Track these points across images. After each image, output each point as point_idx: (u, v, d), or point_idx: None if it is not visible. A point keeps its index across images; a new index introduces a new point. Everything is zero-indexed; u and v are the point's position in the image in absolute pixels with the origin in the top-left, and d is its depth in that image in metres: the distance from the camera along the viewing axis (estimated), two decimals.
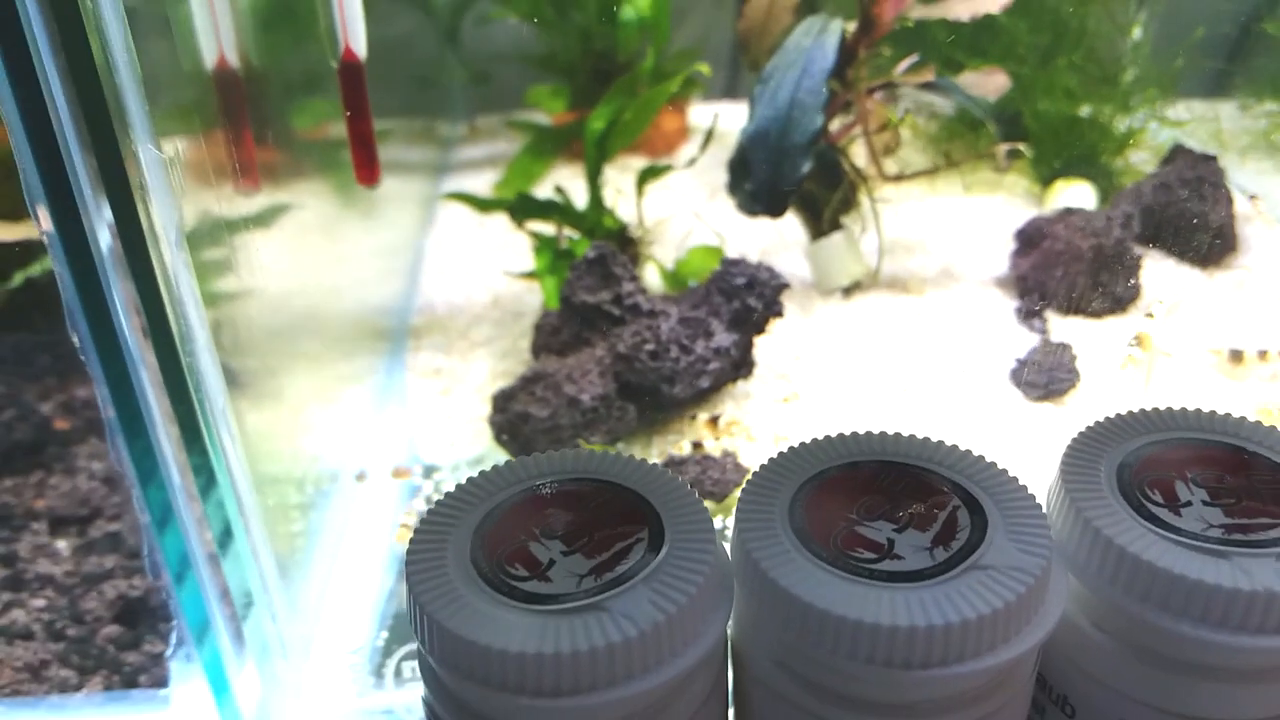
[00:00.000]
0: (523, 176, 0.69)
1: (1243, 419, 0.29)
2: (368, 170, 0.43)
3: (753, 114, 0.50)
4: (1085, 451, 0.28)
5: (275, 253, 0.41)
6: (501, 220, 0.61)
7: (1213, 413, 0.29)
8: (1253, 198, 0.61)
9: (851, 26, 0.54)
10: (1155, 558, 0.25)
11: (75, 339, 0.31)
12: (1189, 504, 0.26)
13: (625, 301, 0.48)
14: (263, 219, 0.40)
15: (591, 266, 0.49)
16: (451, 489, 0.26)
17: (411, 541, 0.25)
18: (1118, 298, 0.55)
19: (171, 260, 0.31)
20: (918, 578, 0.23)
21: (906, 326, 0.55)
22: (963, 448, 0.27)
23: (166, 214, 0.31)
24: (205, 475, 0.34)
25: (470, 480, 0.27)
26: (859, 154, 0.58)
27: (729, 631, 0.27)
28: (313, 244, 0.48)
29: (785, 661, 0.25)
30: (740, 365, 0.50)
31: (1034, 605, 0.24)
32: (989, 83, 0.57)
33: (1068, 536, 0.26)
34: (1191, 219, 0.56)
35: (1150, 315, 0.53)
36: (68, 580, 0.42)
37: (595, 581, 0.23)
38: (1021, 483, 0.26)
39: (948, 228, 0.62)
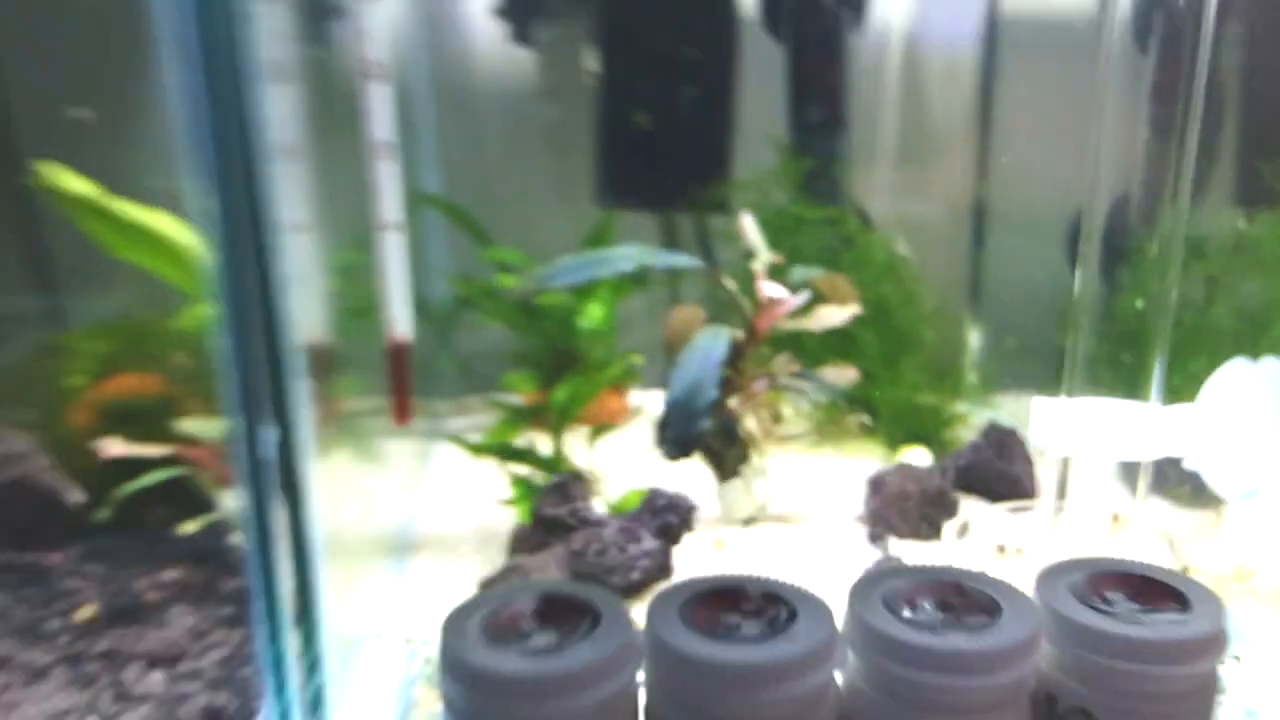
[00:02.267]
0: (501, 438, 0.89)
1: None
2: (405, 416, 0.63)
3: (671, 388, 0.71)
4: (867, 585, 0.47)
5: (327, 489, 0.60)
6: (479, 467, 0.81)
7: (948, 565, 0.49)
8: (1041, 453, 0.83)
9: (740, 334, 0.77)
10: (898, 634, 0.44)
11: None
12: (922, 610, 0.46)
13: (579, 514, 0.68)
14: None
15: (555, 489, 0.68)
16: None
17: (446, 620, 0.43)
18: (938, 527, 0.75)
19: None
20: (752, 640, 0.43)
21: (788, 547, 0.74)
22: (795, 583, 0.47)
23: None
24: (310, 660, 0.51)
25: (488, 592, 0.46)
26: (752, 423, 0.80)
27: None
28: (344, 485, 0.68)
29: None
30: (664, 567, 0.69)
31: (821, 657, 0.43)
32: (843, 374, 0.80)
33: (853, 630, 0.45)
34: (996, 472, 0.78)
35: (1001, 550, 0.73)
36: (165, 694, 0.58)
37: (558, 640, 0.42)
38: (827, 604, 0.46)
39: (820, 478, 0.83)
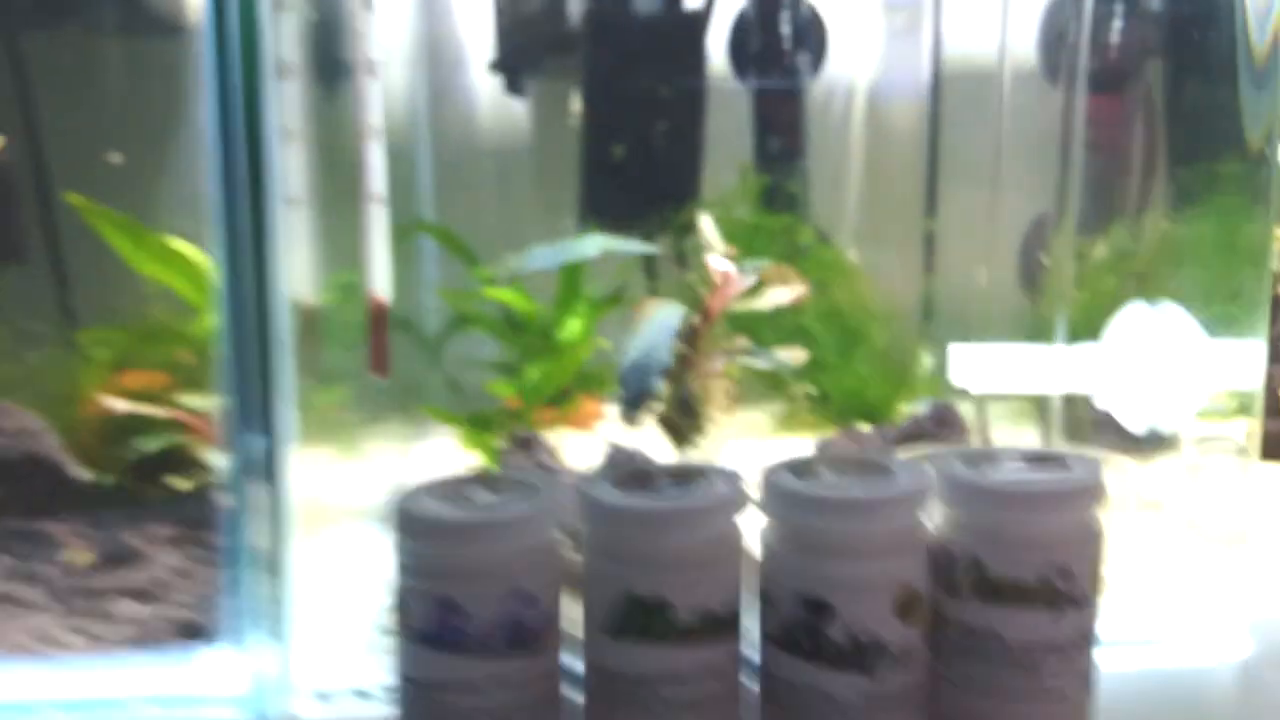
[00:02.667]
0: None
1: None
2: (382, 369, 0.69)
3: (627, 353, 0.78)
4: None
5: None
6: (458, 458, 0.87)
7: None
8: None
9: (696, 318, 0.84)
10: (800, 488, 0.49)
11: None
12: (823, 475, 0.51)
13: (544, 467, 0.73)
14: None
15: (520, 444, 0.74)
16: None
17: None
18: None
19: None
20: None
21: None
22: None
23: None
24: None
25: None
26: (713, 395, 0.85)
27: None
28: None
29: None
30: None
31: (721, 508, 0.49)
32: (794, 354, 0.86)
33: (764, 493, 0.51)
34: (932, 438, 0.83)
35: None
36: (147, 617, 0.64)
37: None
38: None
39: (772, 451, 0.88)
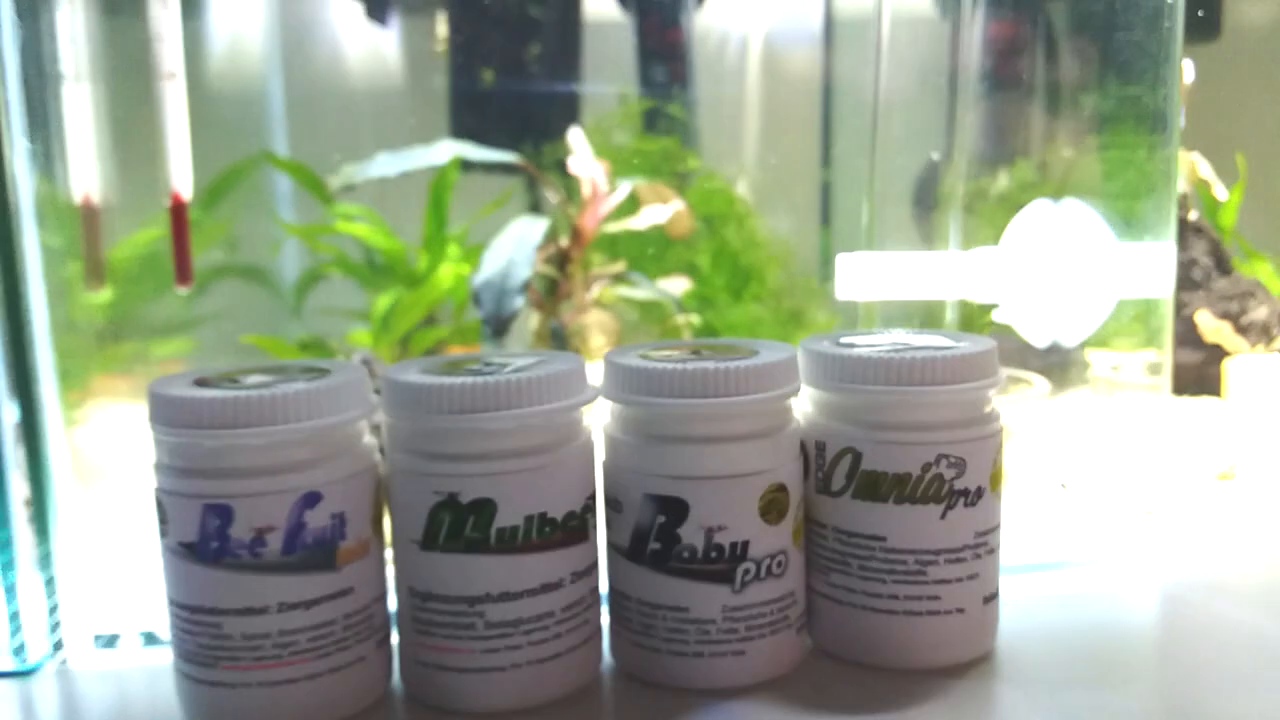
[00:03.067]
0: None
1: None
2: (185, 279, 0.60)
3: (481, 268, 0.69)
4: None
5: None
6: None
7: None
8: None
9: (565, 241, 0.76)
10: (645, 366, 0.41)
11: None
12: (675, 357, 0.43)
13: None
14: None
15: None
16: None
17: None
18: None
19: None
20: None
21: None
22: None
23: None
24: None
25: None
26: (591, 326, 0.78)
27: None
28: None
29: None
30: None
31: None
32: (676, 283, 0.78)
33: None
34: None
35: None
36: None
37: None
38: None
39: None
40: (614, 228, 0.76)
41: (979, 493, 0.43)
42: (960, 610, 0.44)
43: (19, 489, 0.50)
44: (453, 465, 0.40)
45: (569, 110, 1.00)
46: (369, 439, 0.43)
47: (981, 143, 0.89)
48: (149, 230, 0.81)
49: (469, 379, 0.40)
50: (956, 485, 0.43)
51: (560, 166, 1.00)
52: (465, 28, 1.00)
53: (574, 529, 0.42)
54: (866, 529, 0.43)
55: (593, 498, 0.43)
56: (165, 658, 0.47)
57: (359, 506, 0.41)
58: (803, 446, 0.44)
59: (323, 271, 0.99)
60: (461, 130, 1.04)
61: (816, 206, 1.08)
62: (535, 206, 1.05)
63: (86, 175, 0.60)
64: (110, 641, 0.50)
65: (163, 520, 0.40)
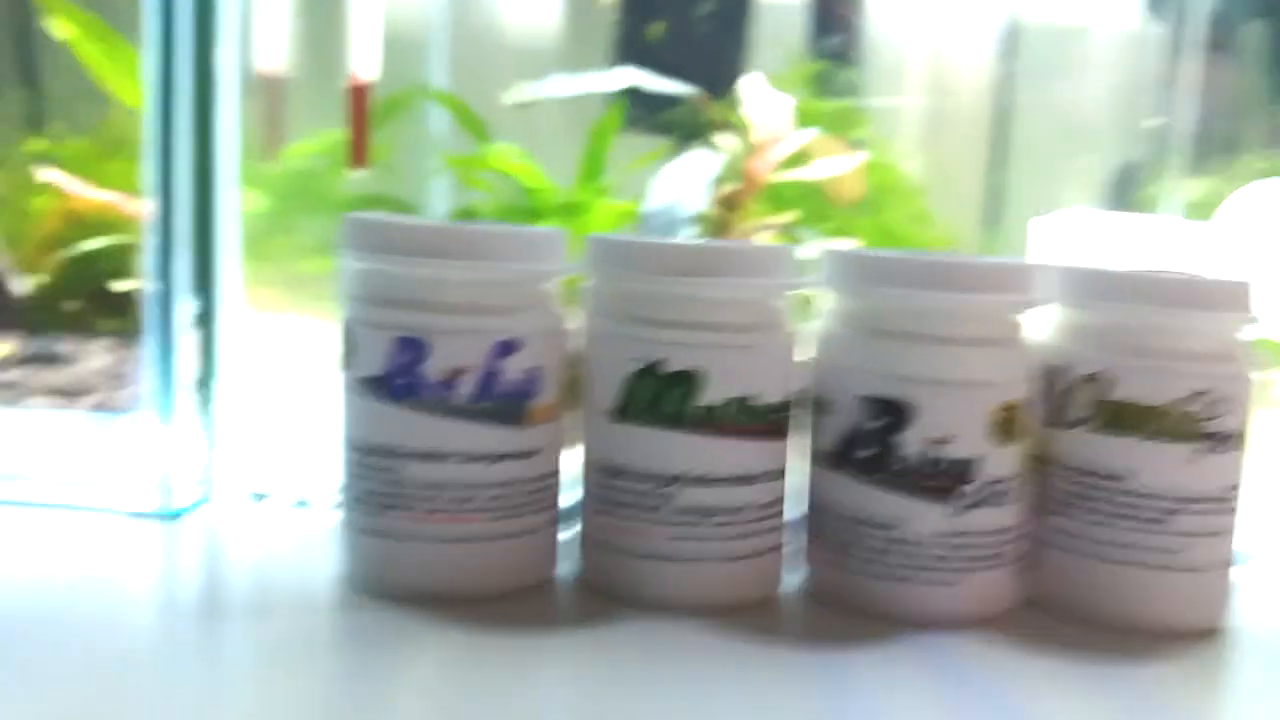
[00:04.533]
0: None
1: None
2: (360, 159, 0.58)
3: (650, 197, 0.66)
4: None
5: None
6: None
7: None
8: None
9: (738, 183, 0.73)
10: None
11: None
12: None
13: None
14: None
15: None
16: None
17: None
18: None
19: None
20: None
21: None
22: None
23: None
24: None
25: None
26: None
27: None
28: None
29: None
30: None
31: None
32: (845, 246, 0.74)
33: None
34: None
35: None
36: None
37: None
38: None
39: None
40: (786, 177, 0.72)
41: (1231, 440, 0.38)
42: (1197, 570, 0.39)
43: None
44: (657, 331, 0.37)
45: (736, 67, 0.97)
46: (561, 308, 0.40)
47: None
48: (309, 144, 0.80)
49: (686, 241, 0.37)
50: (1210, 427, 0.38)
51: (727, 125, 0.97)
52: None
53: (775, 422, 0.38)
54: (1105, 467, 0.39)
55: (795, 395, 0.39)
56: (317, 522, 0.45)
57: (552, 366, 0.38)
58: (1042, 372, 0.40)
59: (474, 210, 0.97)
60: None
61: (980, 203, 1.03)
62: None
63: (273, 49, 0.59)
64: (261, 498, 0.48)
65: (349, 352, 0.37)
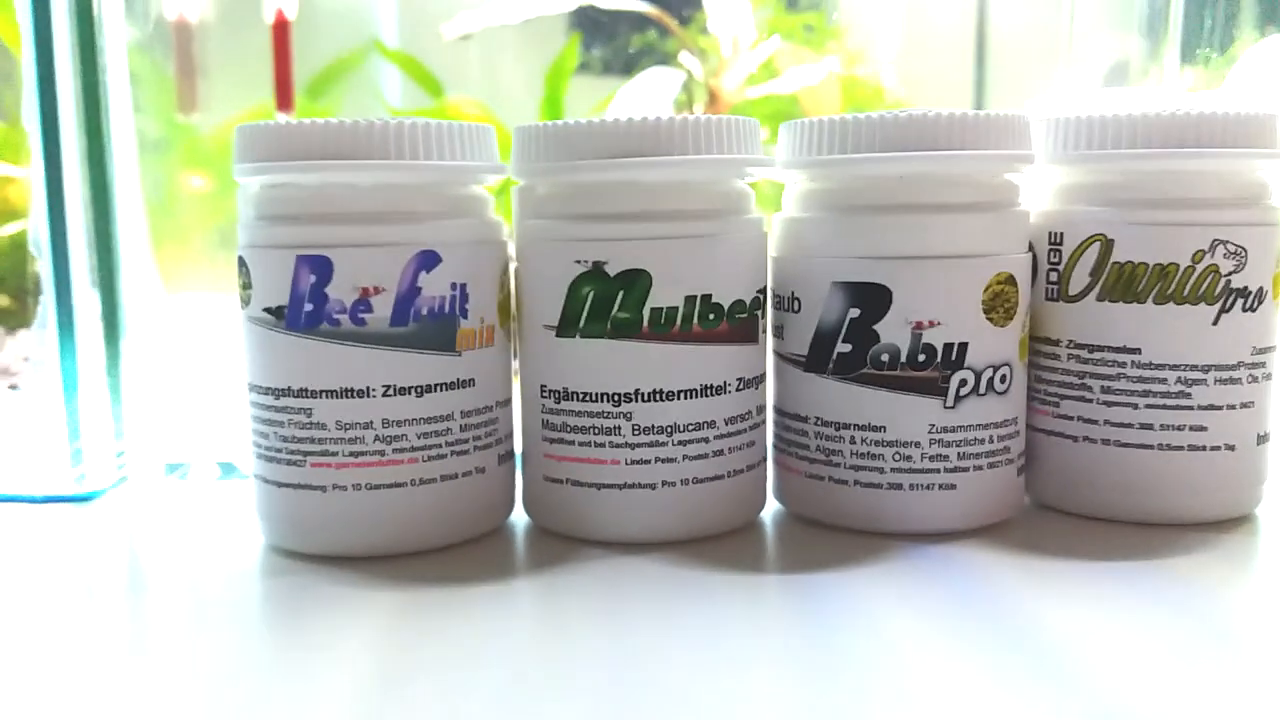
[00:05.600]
0: None
1: None
2: (285, 102, 0.54)
3: None
4: None
5: None
6: None
7: None
8: None
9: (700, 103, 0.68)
10: None
11: None
12: None
13: None
14: None
15: None
16: None
17: None
18: None
19: None
20: None
21: None
22: None
23: None
24: None
25: None
26: None
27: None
28: None
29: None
30: None
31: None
32: None
33: None
34: None
35: None
36: None
37: None
38: None
39: None
40: (756, 93, 0.67)
41: (1260, 296, 0.34)
42: (1230, 447, 0.34)
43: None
44: (598, 227, 0.32)
45: None
46: (497, 217, 0.35)
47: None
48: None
49: (618, 118, 0.32)
50: (1234, 282, 0.33)
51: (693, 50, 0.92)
52: None
53: (742, 322, 0.34)
54: (1115, 339, 0.34)
55: (764, 292, 0.35)
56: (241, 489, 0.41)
57: (484, 282, 0.33)
58: (1030, 246, 0.35)
59: None
60: (585, 21, 0.97)
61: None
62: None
63: None
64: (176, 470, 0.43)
65: (245, 285, 0.33)
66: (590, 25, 0.98)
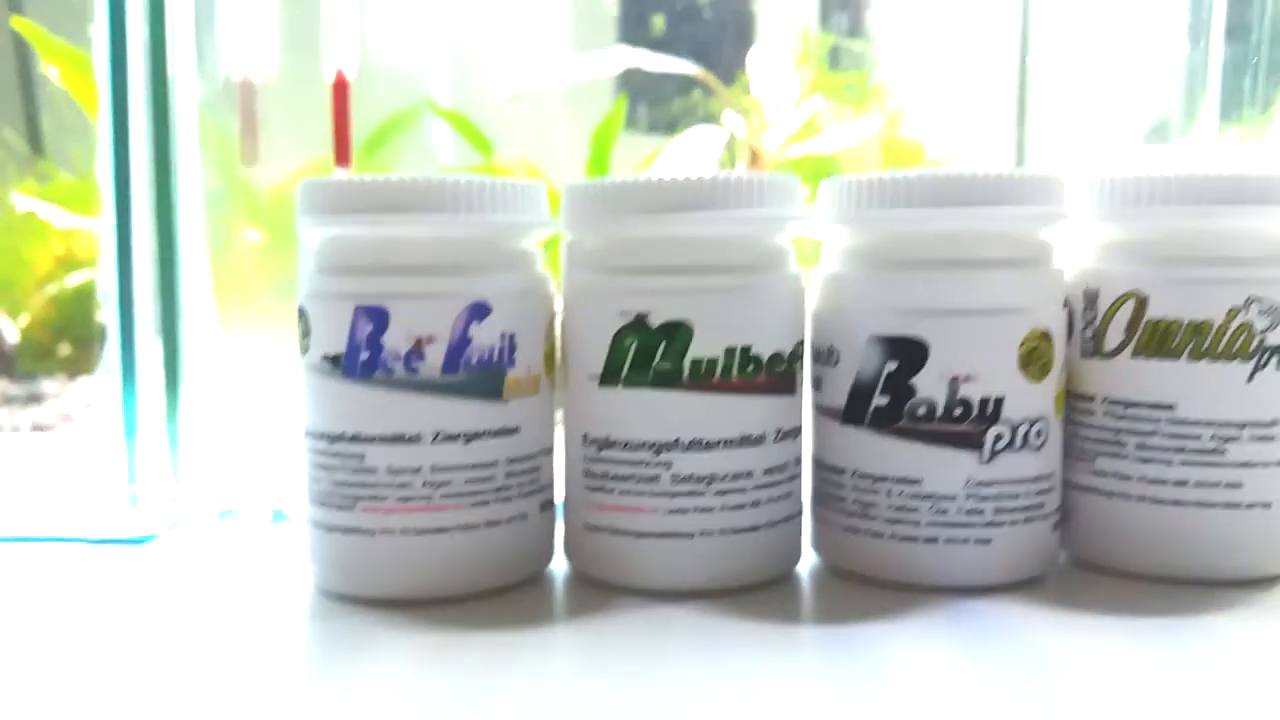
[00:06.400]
0: None
1: None
2: (344, 158, 0.55)
3: None
4: None
5: None
6: None
7: None
8: None
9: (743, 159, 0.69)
10: None
11: None
12: None
13: None
14: None
15: None
16: None
17: None
18: None
19: None
20: None
21: None
22: None
23: None
24: None
25: None
26: None
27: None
28: None
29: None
30: None
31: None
32: None
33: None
34: None
35: None
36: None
37: None
38: None
39: None
40: (797, 152, 0.69)
41: None
42: (1265, 505, 0.34)
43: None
44: (642, 280, 0.34)
45: (744, 51, 0.95)
46: (545, 270, 0.37)
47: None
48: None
49: (663, 176, 0.33)
50: (1269, 340, 0.34)
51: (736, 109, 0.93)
52: None
53: (781, 375, 0.34)
54: (1150, 395, 0.34)
55: (802, 345, 0.36)
56: (292, 533, 0.42)
57: (531, 332, 0.35)
58: (1066, 302, 0.36)
59: None
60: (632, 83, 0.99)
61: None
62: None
63: (248, 56, 0.57)
64: (232, 514, 0.45)
65: (304, 334, 0.34)
66: (637, 86, 1.00)
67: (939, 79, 0.90)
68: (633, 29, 0.93)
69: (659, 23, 0.91)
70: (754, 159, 0.68)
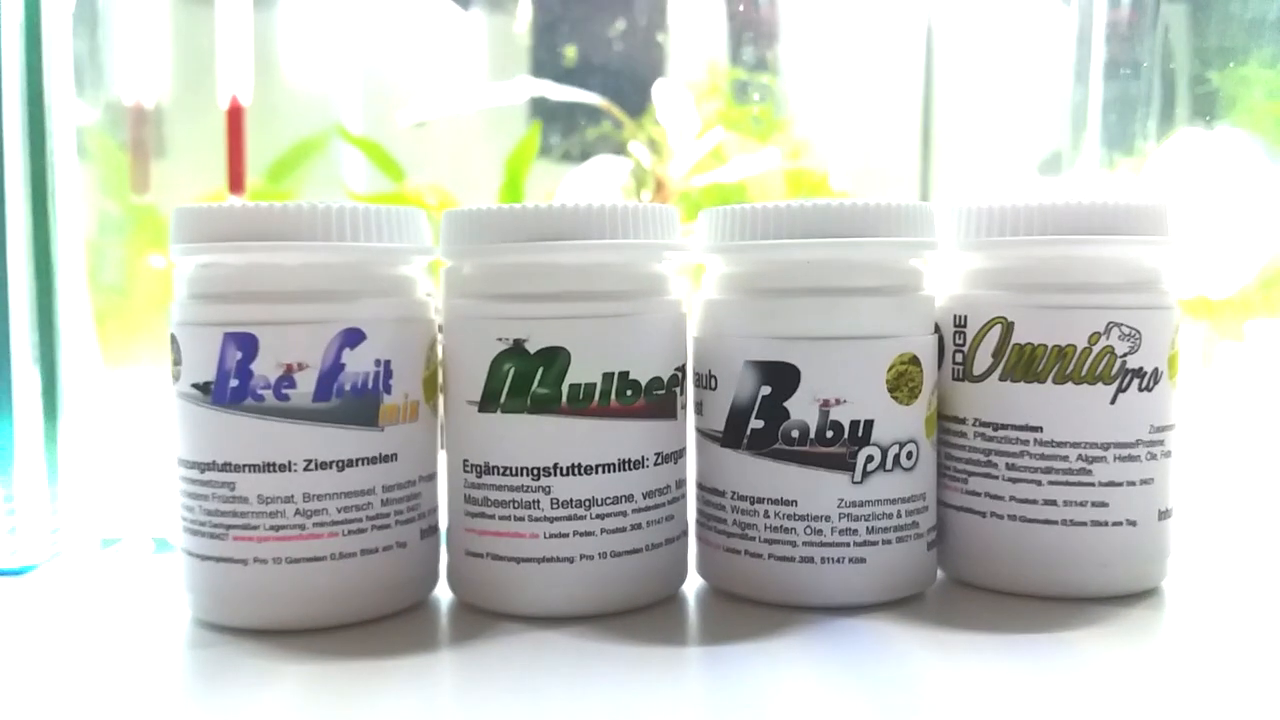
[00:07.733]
0: None
1: None
2: (238, 185, 0.55)
3: None
4: None
5: None
6: None
7: None
8: None
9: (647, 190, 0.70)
10: None
11: None
12: None
13: None
14: None
15: None
16: None
17: None
18: None
19: None
20: None
21: None
22: None
23: None
24: None
25: None
26: None
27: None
28: None
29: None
30: None
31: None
32: None
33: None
34: None
35: None
36: None
37: None
38: None
39: None
40: (701, 181, 0.69)
41: (1155, 376, 0.35)
42: (1131, 523, 0.35)
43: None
44: (519, 306, 0.34)
45: (655, 77, 0.96)
46: (425, 296, 0.36)
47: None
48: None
49: (539, 204, 0.34)
50: (1130, 363, 0.35)
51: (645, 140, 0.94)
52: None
53: (660, 399, 0.35)
54: (1018, 418, 0.35)
55: (682, 370, 0.36)
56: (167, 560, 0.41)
57: (409, 358, 0.34)
58: (936, 328, 0.37)
59: None
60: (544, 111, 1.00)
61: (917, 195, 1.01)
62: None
63: (139, 81, 0.56)
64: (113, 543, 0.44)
65: (176, 361, 0.34)
66: (550, 115, 1.01)
67: (845, 112, 0.92)
68: (545, 59, 0.93)
69: (570, 53, 0.91)
70: (659, 187, 0.69)
